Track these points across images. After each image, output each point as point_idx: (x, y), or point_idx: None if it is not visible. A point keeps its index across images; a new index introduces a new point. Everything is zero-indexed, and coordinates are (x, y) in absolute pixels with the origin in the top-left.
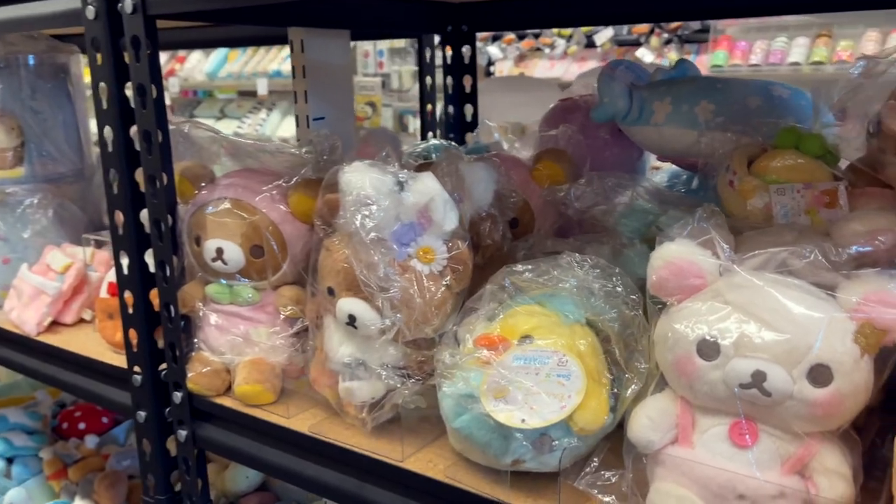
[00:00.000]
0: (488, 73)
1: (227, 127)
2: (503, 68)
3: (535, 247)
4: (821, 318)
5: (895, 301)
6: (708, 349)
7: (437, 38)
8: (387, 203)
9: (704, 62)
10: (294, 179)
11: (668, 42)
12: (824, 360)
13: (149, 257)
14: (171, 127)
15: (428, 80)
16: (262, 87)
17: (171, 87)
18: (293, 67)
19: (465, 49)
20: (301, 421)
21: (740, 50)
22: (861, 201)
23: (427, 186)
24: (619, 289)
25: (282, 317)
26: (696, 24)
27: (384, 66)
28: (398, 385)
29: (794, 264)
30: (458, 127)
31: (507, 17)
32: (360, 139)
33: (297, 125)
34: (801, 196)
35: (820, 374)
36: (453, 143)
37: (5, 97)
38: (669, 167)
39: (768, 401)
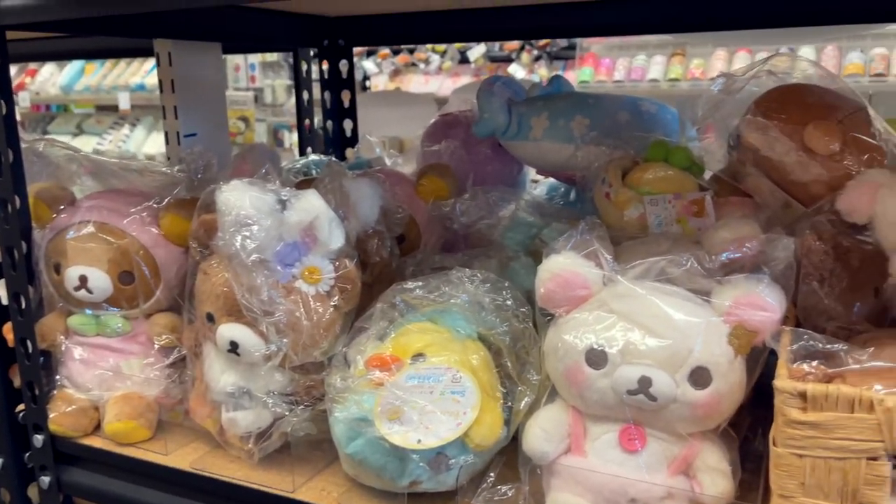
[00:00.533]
0: (364, 88)
1: (85, 144)
2: (379, 83)
3: (424, 263)
4: (698, 322)
5: (763, 304)
6: (596, 358)
7: (312, 52)
8: (268, 223)
9: (572, 78)
10: (166, 200)
11: (537, 58)
12: (703, 362)
13: (0, 289)
14: (23, 145)
15: (305, 94)
16: (123, 102)
17: (21, 102)
18: (160, 81)
19: (343, 63)
20: (181, 457)
21: (604, 67)
22: (725, 210)
23: (311, 204)
24: (510, 302)
25: (156, 347)
26: (563, 42)
27: (256, 80)
28: (286, 413)
29: (673, 272)
30: (338, 142)
31: (384, 33)
32: (236, 156)
33: (167, 142)
34: (672, 206)
35: (700, 377)
36: (334, 159)
37: None
38: (548, 180)
39: (654, 405)
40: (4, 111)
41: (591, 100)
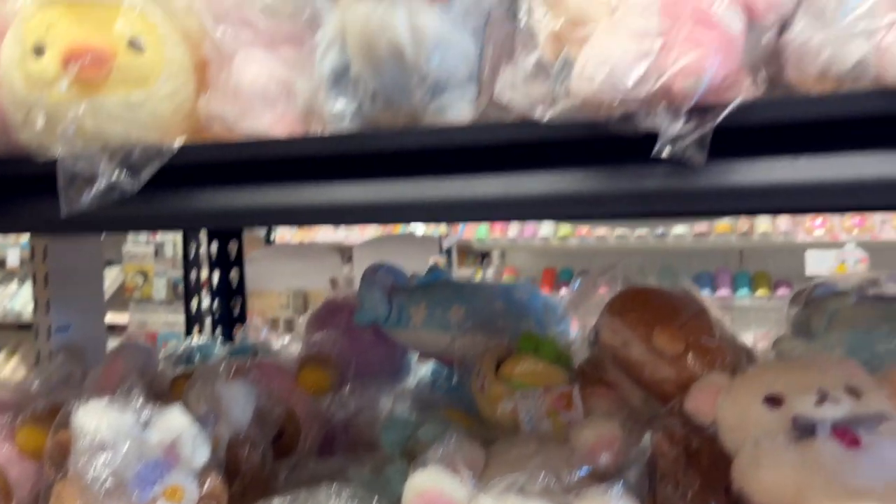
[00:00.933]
0: (268, 241)
1: None
2: (286, 234)
3: (299, 468)
4: None
5: None
6: None
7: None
8: (126, 446)
9: (470, 233)
10: (22, 414)
11: None
12: None
13: None
14: None
15: (193, 274)
16: (13, 258)
17: None
18: (33, 275)
19: (232, 243)
20: None
21: (499, 224)
22: (593, 400)
23: (174, 423)
24: None
25: None
26: None
27: (157, 234)
28: None
29: (531, 489)
30: (226, 321)
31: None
32: (110, 353)
33: (37, 337)
34: (542, 400)
35: None
36: (219, 340)
37: None
38: (433, 361)
39: None
40: None
41: (467, 289)
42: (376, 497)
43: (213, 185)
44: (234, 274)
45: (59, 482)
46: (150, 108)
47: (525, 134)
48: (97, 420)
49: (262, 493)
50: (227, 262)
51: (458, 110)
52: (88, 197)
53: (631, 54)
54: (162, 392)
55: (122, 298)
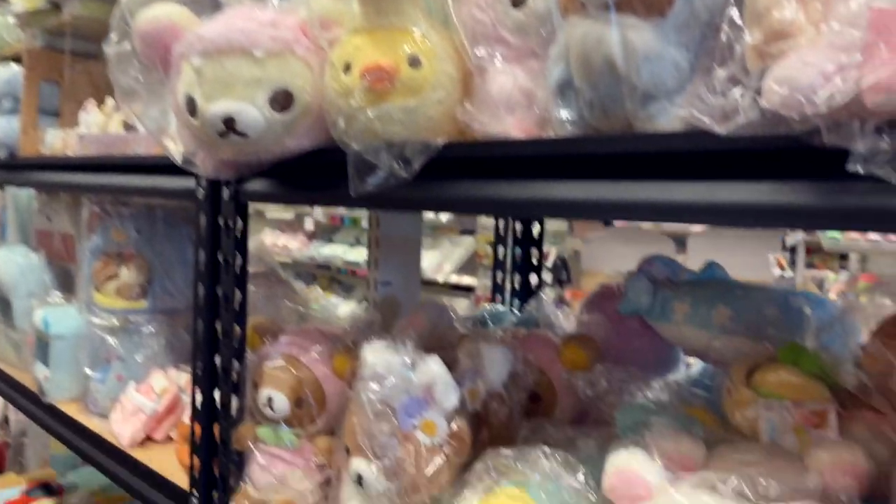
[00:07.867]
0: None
1: None
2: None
3: (537, 430)
4: None
5: None
6: None
7: None
8: (395, 381)
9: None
10: (339, 344)
11: None
12: None
13: (217, 395)
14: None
15: (500, 250)
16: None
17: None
18: (368, 239)
19: (535, 226)
20: None
21: None
22: (854, 425)
23: (430, 370)
24: (577, 486)
25: (314, 465)
26: None
27: None
28: None
29: (724, 490)
30: (523, 293)
31: None
32: (414, 307)
33: (367, 288)
34: (789, 414)
35: None
36: (513, 310)
37: (140, 241)
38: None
39: None
40: (238, 263)
41: (739, 291)
42: (582, 468)
43: (468, 178)
44: (534, 251)
45: (353, 402)
46: (423, 112)
47: (721, 144)
48: (374, 356)
49: (504, 444)
50: (529, 240)
51: (667, 118)
52: (372, 181)
53: (825, 68)
54: (451, 345)
55: (473, 264)
